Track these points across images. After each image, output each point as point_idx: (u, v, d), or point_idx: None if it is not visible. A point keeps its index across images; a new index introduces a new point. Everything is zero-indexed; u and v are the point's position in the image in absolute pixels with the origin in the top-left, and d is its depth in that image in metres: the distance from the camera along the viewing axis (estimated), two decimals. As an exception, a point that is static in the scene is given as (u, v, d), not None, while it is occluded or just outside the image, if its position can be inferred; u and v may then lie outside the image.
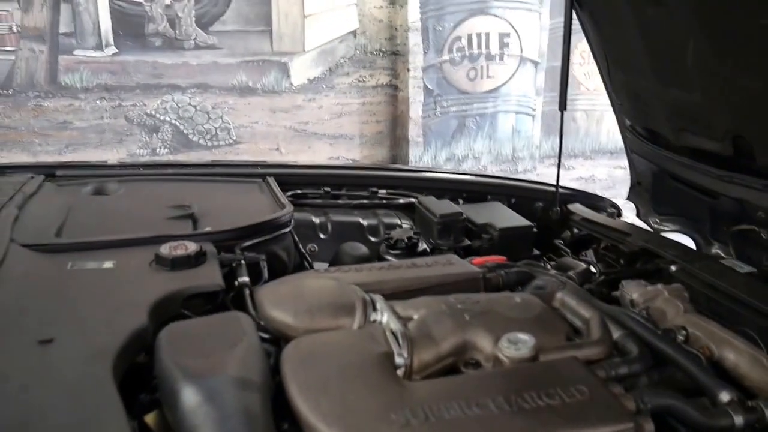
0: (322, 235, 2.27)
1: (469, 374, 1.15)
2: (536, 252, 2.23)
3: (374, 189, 2.43)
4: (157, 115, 5.28)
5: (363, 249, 2.07)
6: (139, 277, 1.46)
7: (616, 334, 1.30)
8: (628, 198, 2.55)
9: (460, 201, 2.51)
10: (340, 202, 2.39)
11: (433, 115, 5.91)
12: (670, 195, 2.34)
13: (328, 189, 2.40)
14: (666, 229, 2.43)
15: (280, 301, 1.33)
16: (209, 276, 1.48)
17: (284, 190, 2.34)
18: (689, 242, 2.35)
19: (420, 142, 5.82)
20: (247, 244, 1.73)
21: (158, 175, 2.35)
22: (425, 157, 5.81)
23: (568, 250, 2.24)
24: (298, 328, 1.26)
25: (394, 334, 1.18)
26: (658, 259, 1.99)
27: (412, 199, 2.38)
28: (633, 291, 1.68)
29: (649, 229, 2.43)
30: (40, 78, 4.97)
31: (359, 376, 1.06)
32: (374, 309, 1.30)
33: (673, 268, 1.92)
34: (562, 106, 2.23)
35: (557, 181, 2.41)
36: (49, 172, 2.27)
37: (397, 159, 5.84)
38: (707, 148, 1.98)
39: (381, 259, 2.02)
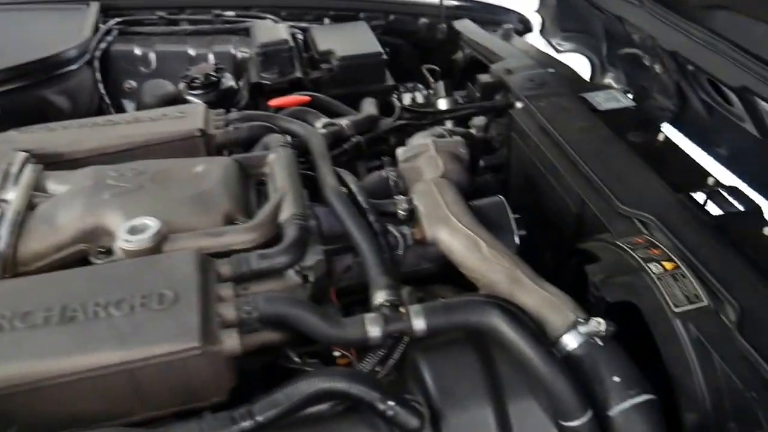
0: (143, 69, 1.98)
1: (45, 276, 0.95)
2: (390, 83, 1.88)
3: (218, 12, 2.07)
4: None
5: (168, 87, 1.79)
6: None
7: (284, 215, 1.03)
8: (538, 10, 2.10)
9: (326, 21, 2.14)
10: (176, 28, 2.05)
11: None
12: (573, 9, 1.90)
13: (162, 14, 2.06)
14: (563, 49, 2.01)
15: None
16: None
17: (115, 17, 2.04)
18: (585, 67, 1.95)
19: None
20: None
21: None
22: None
23: (431, 78, 1.88)
24: None
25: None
26: (511, 94, 1.64)
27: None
28: (412, 143, 1.36)
29: (551, 51, 2.01)
30: None
31: None
32: (15, 183, 1.10)
33: (518, 104, 1.59)
34: None
35: (441, -9, 2.00)
36: None
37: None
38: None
39: (184, 99, 1.74)
